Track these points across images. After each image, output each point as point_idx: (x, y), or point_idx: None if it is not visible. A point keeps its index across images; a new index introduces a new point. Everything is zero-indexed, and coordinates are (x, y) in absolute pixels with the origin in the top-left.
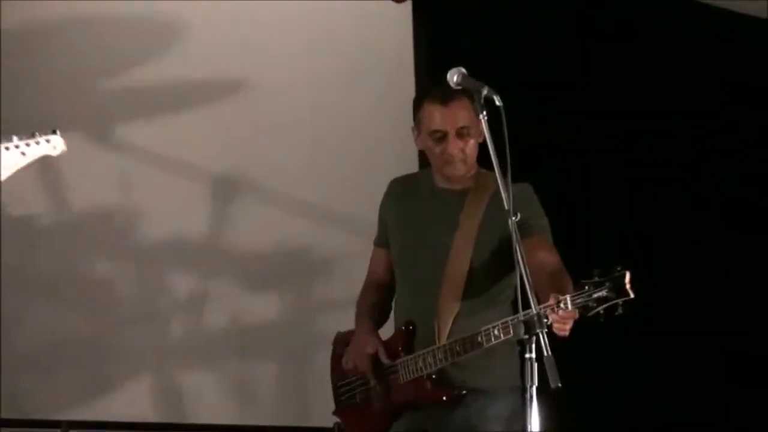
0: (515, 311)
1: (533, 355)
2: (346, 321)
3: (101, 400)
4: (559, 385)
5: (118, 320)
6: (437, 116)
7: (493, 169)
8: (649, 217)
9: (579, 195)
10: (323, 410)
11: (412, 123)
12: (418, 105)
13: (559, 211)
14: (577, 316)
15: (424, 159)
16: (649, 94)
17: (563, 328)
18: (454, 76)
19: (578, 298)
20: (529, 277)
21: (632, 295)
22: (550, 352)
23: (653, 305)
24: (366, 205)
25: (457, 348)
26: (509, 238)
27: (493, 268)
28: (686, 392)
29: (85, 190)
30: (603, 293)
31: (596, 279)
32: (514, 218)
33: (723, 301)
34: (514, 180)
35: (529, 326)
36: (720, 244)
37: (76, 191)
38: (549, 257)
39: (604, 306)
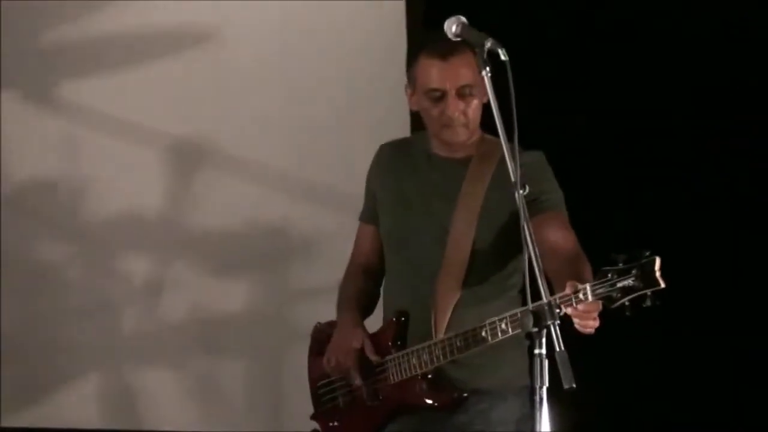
0: (523, 300)
1: (543, 351)
2: (327, 311)
3: (40, 403)
4: (574, 385)
5: (61, 310)
6: (435, 73)
7: (498, 135)
8: (655, 216)
9: (580, 193)
10: (299, 415)
11: (404, 80)
12: (412, 59)
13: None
14: (600, 308)
15: (417, 121)
16: (656, 91)
17: (587, 324)
18: (452, 26)
19: (600, 288)
20: (539, 260)
21: (663, 285)
22: (563, 348)
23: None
24: (350, 176)
25: (458, 343)
26: (517, 214)
27: (500, 249)
28: (709, 395)
29: (24, 159)
30: (629, 282)
31: (621, 266)
32: (522, 191)
33: (735, 300)
34: (524, 147)
35: (539, 317)
36: (729, 242)
37: (14, 160)
38: (563, 237)
39: (631, 297)
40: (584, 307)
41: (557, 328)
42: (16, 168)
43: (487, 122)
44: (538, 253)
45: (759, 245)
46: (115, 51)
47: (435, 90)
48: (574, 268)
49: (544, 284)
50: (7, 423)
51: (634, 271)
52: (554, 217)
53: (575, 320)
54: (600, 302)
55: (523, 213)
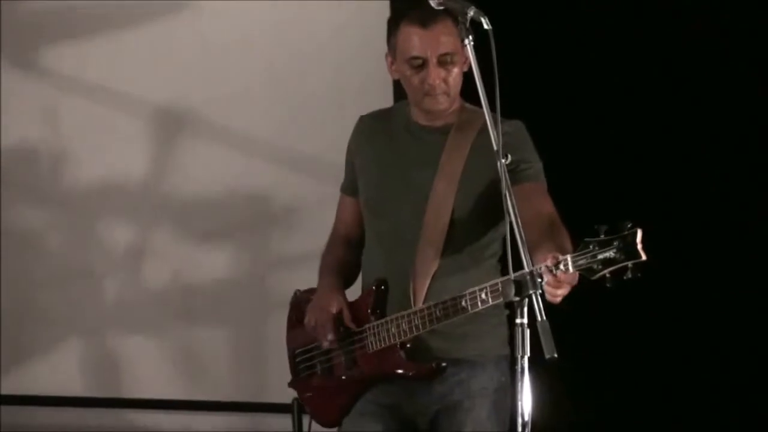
0: (503, 269)
1: (525, 321)
2: (310, 280)
3: (22, 371)
4: (555, 355)
5: (42, 278)
6: (416, 40)
7: (478, 105)
8: (643, 190)
9: (563, 165)
10: (280, 383)
11: (385, 48)
12: (393, 27)
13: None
14: (576, 280)
15: (400, 92)
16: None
17: (555, 293)
18: None
19: (581, 259)
20: (521, 230)
21: (644, 257)
22: (545, 317)
23: (663, 270)
24: (332, 145)
25: (437, 313)
26: (497, 183)
27: (479, 217)
28: (693, 367)
29: (4, 127)
30: (610, 254)
31: (602, 237)
32: (504, 160)
33: (724, 285)
34: (505, 116)
35: (521, 286)
36: (722, 227)
37: None
38: (544, 208)
39: (612, 269)
40: (561, 276)
41: (539, 297)
42: None
43: (467, 91)
44: (519, 222)
45: (750, 231)
46: (97, 18)
47: (416, 58)
48: (553, 238)
49: (527, 253)
50: None
51: (615, 243)
52: (534, 187)
53: (546, 288)
54: (576, 273)
55: (504, 182)
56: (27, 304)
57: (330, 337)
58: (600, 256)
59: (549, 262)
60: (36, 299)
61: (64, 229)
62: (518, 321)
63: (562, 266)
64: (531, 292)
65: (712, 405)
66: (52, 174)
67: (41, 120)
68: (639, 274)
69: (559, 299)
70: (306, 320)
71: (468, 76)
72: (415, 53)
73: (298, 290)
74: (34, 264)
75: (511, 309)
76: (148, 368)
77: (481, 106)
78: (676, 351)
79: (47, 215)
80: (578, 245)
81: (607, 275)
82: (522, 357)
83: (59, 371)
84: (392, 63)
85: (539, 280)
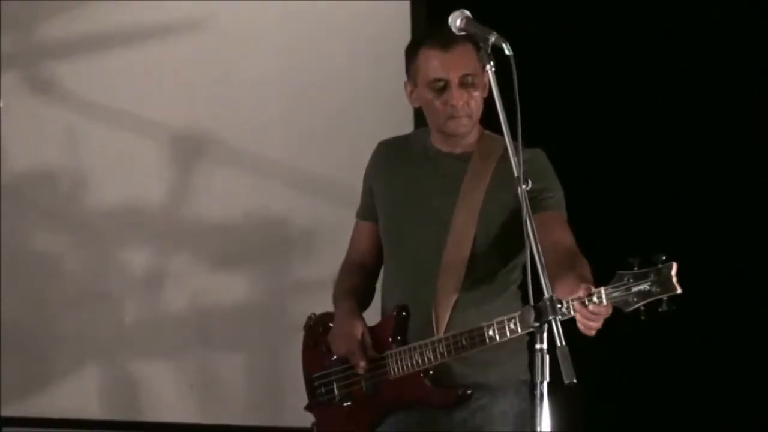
0: (524, 295)
1: (544, 346)
2: (327, 303)
3: (41, 393)
4: (574, 381)
5: (60, 302)
6: (437, 63)
7: (498, 132)
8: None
9: (582, 192)
10: (298, 408)
11: (403, 71)
12: (412, 53)
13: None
14: (610, 311)
15: (420, 115)
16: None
17: (590, 326)
18: (457, 20)
19: (616, 291)
20: (542, 256)
21: (680, 291)
22: (564, 343)
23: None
24: (351, 169)
25: (463, 341)
26: (518, 212)
27: (500, 246)
28: (715, 392)
29: (24, 149)
30: (645, 287)
31: (637, 270)
32: (524, 186)
33: (739, 303)
34: (525, 144)
35: (540, 312)
36: (734, 244)
37: (14, 150)
38: (564, 238)
39: (646, 302)
40: (595, 309)
41: (558, 323)
42: (16, 159)
43: (487, 118)
44: (540, 249)
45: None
46: (116, 42)
47: (438, 80)
48: (574, 268)
49: (546, 280)
50: (7, 413)
51: (651, 276)
52: (554, 217)
53: (579, 320)
54: (610, 306)
55: (525, 208)
56: (46, 326)
57: (362, 363)
58: (635, 289)
59: (582, 293)
60: (54, 322)
61: (83, 252)
62: (538, 346)
63: (595, 298)
64: (550, 317)
65: None
66: (72, 197)
67: (61, 143)
68: (674, 307)
69: (593, 332)
70: (337, 349)
71: (488, 102)
72: (437, 75)
73: (313, 314)
74: (53, 287)
75: (531, 335)
76: (166, 392)
77: (500, 134)
78: (696, 379)
79: (66, 238)
80: (611, 278)
81: (642, 308)
82: (541, 382)
83: (77, 394)
84: (412, 91)
85: (559, 305)
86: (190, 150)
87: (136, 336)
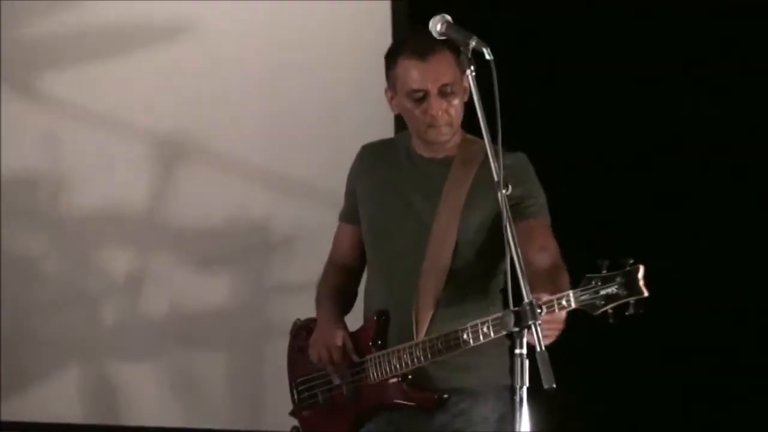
0: (505, 300)
1: (524, 351)
2: (308, 306)
3: (21, 397)
4: (554, 385)
5: (40, 304)
6: (416, 73)
7: (480, 136)
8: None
9: (562, 194)
10: (280, 412)
11: (384, 75)
12: (391, 62)
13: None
14: (563, 317)
15: (401, 120)
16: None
17: (547, 335)
18: (437, 25)
19: (584, 294)
20: (521, 261)
21: (646, 293)
22: (543, 348)
23: (662, 299)
24: (331, 173)
25: (439, 345)
26: (500, 216)
27: (482, 251)
28: (695, 395)
29: (4, 153)
30: (612, 290)
31: (605, 273)
32: (504, 191)
33: (721, 304)
34: (507, 149)
35: (520, 317)
36: (715, 245)
37: None
38: (546, 246)
39: (614, 305)
40: (547, 317)
41: (538, 328)
42: None
43: (468, 122)
44: (520, 253)
45: (745, 247)
46: (97, 45)
47: (417, 90)
48: (554, 279)
49: (526, 285)
50: None
51: (618, 279)
52: (537, 224)
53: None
54: (564, 314)
55: (505, 213)
56: (25, 329)
57: (337, 377)
58: (602, 292)
59: (545, 298)
60: (34, 325)
61: (63, 255)
62: (517, 351)
63: (564, 302)
64: (530, 322)
65: None
66: (52, 200)
67: (41, 146)
68: (641, 311)
69: (550, 340)
70: (311, 355)
71: (471, 106)
72: (415, 86)
73: (298, 319)
74: (33, 290)
75: (513, 339)
76: (146, 395)
77: (482, 137)
78: (677, 384)
79: (46, 241)
80: (580, 280)
81: (610, 311)
82: (521, 387)
83: (57, 398)
84: (392, 98)
85: (539, 310)
86: (170, 153)
87: (115, 339)
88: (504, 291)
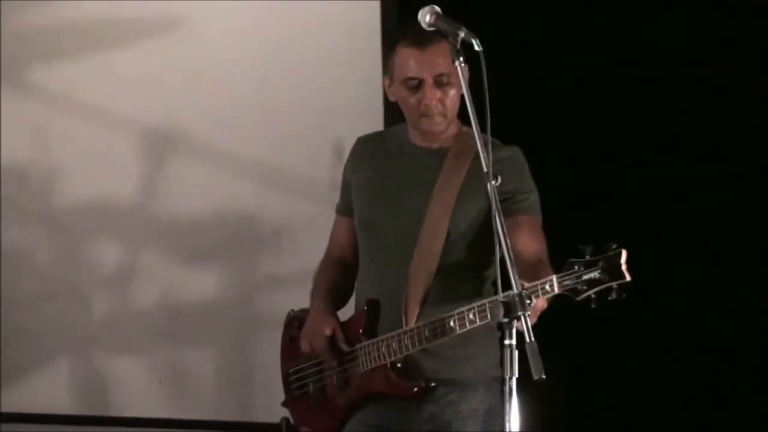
0: (495, 291)
1: (513, 342)
2: (298, 299)
3: (9, 388)
4: (543, 376)
5: (29, 297)
6: (412, 62)
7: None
8: (630, 210)
9: (554, 186)
10: (269, 403)
11: (377, 68)
12: (390, 50)
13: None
14: (545, 305)
15: (390, 113)
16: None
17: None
18: (426, 16)
19: (566, 279)
20: (510, 251)
21: (629, 278)
22: (533, 338)
23: (654, 289)
24: (321, 166)
25: (426, 333)
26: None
27: (473, 242)
28: (686, 388)
29: None
30: (595, 275)
31: (588, 258)
32: (494, 182)
33: (711, 297)
34: (502, 140)
35: (509, 307)
36: (705, 238)
37: None
38: (534, 243)
39: (596, 290)
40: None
41: (528, 318)
42: None
43: (463, 114)
44: (509, 244)
45: (733, 241)
46: (87, 37)
47: (412, 79)
48: (537, 276)
49: (516, 275)
50: None
51: (600, 264)
52: (527, 221)
53: None
54: (544, 300)
55: (494, 203)
56: (15, 322)
57: (327, 366)
58: (585, 277)
59: (535, 283)
60: (24, 318)
61: (53, 248)
62: (507, 342)
63: (547, 287)
64: (519, 313)
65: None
66: (42, 193)
67: (31, 139)
68: (624, 295)
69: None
70: (302, 345)
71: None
72: (411, 74)
73: (292, 310)
74: (23, 282)
75: (503, 330)
76: (136, 387)
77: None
78: (666, 376)
79: (36, 234)
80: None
81: (592, 296)
82: (510, 378)
83: (47, 389)
84: (390, 85)
85: (528, 301)
86: (161, 146)
87: (105, 331)
88: (494, 283)
